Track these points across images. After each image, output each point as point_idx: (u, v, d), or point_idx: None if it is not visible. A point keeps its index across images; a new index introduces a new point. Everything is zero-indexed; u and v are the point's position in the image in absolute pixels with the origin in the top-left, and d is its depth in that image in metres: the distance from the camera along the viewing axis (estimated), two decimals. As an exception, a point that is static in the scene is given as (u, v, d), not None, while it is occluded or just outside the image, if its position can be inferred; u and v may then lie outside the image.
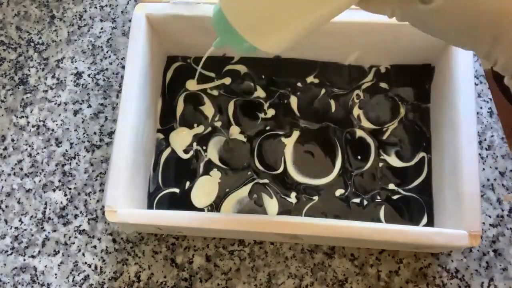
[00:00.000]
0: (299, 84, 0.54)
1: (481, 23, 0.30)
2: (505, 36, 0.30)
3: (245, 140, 0.53)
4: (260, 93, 0.54)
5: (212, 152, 0.52)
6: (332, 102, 0.53)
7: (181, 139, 0.53)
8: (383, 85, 0.54)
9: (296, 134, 0.52)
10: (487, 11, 0.30)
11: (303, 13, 0.34)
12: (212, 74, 0.55)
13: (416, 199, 0.50)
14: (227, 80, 0.55)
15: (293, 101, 0.53)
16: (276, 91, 0.54)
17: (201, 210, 0.50)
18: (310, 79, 0.54)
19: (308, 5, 0.34)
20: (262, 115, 0.53)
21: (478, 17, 0.30)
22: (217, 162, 0.52)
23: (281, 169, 0.51)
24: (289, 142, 0.52)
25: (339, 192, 0.50)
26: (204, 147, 0.52)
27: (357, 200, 0.50)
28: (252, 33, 0.35)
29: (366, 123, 0.53)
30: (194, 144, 0.53)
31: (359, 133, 0.52)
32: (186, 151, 0.53)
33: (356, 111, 0.53)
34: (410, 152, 0.51)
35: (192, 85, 0.55)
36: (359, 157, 0.51)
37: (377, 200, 0.50)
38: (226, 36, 0.37)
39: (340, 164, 0.51)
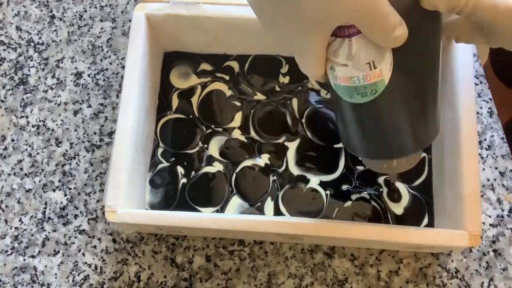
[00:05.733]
0: (299, 88, 0.54)
1: None
2: None
3: (246, 141, 0.52)
4: (260, 96, 0.54)
5: (213, 150, 0.52)
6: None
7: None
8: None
9: (297, 137, 0.52)
10: None
11: None
12: (211, 67, 0.55)
13: (418, 199, 0.50)
14: (226, 76, 0.55)
15: (294, 103, 0.53)
16: (278, 93, 0.54)
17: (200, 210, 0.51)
18: (311, 82, 0.54)
19: None
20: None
21: None
22: (217, 156, 0.52)
23: (283, 168, 0.51)
24: (292, 146, 0.52)
25: (344, 187, 0.50)
26: (206, 145, 0.52)
27: (362, 195, 0.50)
28: None
29: None
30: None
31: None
32: (186, 151, 0.53)
33: None
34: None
35: (189, 82, 0.55)
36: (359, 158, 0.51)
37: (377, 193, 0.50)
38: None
39: (343, 163, 0.51)
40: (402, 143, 0.39)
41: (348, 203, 0.50)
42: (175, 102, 0.54)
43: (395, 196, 0.50)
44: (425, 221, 0.49)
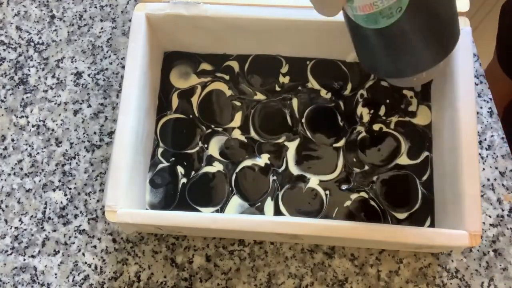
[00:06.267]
0: (299, 88, 0.54)
1: None
2: None
3: (246, 141, 0.52)
4: (260, 96, 0.54)
5: (213, 150, 0.52)
6: (336, 103, 0.53)
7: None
8: (383, 83, 0.54)
9: (297, 137, 0.52)
10: None
11: None
12: (211, 67, 0.55)
13: (426, 198, 0.50)
14: (226, 76, 0.55)
15: (294, 103, 0.53)
16: (278, 93, 0.54)
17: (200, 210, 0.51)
18: (311, 82, 0.54)
19: None
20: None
21: None
22: (217, 156, 0.52)
23: (283, 168, 0.51)
24: (292, 146, 0.52)
25: (343, 187, 0.50)
26: (206, 145, 0.52)
27: (362, 194, 0.50)
28: None
29: (369, 121, 0.52)
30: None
31: (361, 129, 0.52)
32: (186, 151, 0.53)
33: (360, 110, 0.53)
34: (414, 151, 0.51)
35: (189, 82, 0.55)
36: (358, 157, 0.51)
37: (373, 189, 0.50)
38: None
39: (342, 163, 0.51)
40: (432, 53, 0.39)
41: (348, 203, 0.50)
42: (175, 102, 0.54)
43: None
44: (429, 222, 0.49)
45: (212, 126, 0.53)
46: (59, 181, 0.54)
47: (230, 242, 0.51)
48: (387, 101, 0.53)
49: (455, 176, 0.45)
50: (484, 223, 0.51)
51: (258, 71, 0.54)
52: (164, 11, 0.49)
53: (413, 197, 0.50)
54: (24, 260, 0.52)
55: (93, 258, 0.51)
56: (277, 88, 0.54)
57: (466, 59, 0.46)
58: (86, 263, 0.51)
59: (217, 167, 0.52)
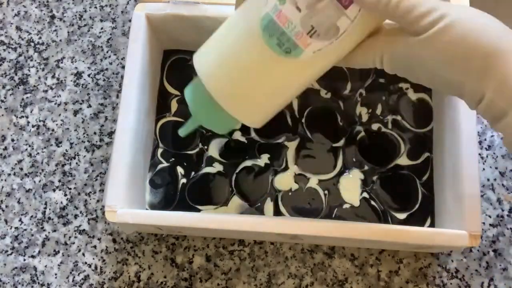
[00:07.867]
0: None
1: (473, 54, 0.31)
2: (495, 69, 0.30)
3: (246, 141, 0.52)
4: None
5: (213, 151, 0.52)
6: (336, 103, 0.53)
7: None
8: (382, 80, 0.53)
9: (297, 137, 0.52)
10: (479, 45, 0.31)
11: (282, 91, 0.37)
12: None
13: (427, 198, 0.50)
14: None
15: (294, 103, 0.53)
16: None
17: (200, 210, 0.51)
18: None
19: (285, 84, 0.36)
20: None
21: (470, 49, 0.31)
22: (217, 157, 0.52)
23: (283, 168, 0.51)
24: (292, 146, 0.52)
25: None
26: (206, 147, 0.52)
27: (362, 194, 0.50)
28: (236, 108, 0.37)
29: (368, 121, 0.52)
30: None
31: (360, 129, 0.52)
32: (186, 151, 0.53)
33: (359, 109, 0.53)
34: (415, 152, 0.51)
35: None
36: (358, 157, 0.51)
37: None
38: (203, 114, 0.39)
39: (342, 163, 0.51)
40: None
41: (348, 203, 0.50)
42: (174, 103, 0.54)
43: None
44: (429, 222, 0.49)
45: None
46: (59, 181, 0.54)
47: (230, 242, 0.51)
48: (386, 100, 0.53)
49: (455, 176, 0.45)
50: (484, 223, 0.51)
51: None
52: (164, 11, 0.49)
53: (413, 197, 0.50)
54: (24, 260, 0.52)
55: (93, 258, 0.51)
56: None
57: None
58: (86, 263, 0.51)
59: (217, 167, 0.52)
